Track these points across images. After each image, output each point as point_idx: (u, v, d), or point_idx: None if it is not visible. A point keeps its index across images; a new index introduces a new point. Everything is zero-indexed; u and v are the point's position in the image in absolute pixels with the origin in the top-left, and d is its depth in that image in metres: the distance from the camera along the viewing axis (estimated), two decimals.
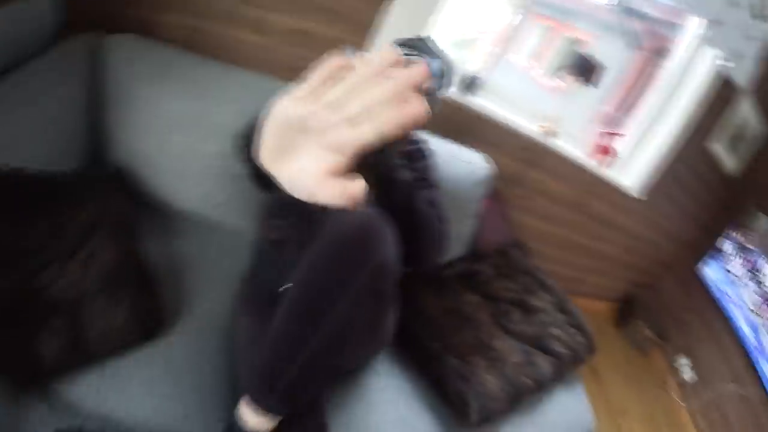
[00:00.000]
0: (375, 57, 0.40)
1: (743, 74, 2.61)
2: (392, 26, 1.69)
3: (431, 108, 0.67)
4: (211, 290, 1.17)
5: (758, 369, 2.78)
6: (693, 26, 2.68)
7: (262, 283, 1.15)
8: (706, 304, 3.38)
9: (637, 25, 5.21)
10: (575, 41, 8.08)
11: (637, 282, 3.70)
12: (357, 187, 0.38)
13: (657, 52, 4.38)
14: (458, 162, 1.68)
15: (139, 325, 0.97)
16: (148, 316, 0.99)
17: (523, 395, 1.31)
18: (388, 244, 0.89)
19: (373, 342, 1.14)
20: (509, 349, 1.38)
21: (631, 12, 5.20)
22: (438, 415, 1.21)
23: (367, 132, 0.37)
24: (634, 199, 2.87)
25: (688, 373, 3.26)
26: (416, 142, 1.30)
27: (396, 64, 0.40)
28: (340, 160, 0.38)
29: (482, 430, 1.21)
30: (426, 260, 1.15)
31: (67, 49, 1.25)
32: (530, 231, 2.55)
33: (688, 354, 3.36)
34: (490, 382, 1.23)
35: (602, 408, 1.58)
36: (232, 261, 1.28)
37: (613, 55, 5.77)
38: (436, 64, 1.08)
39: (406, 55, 1.04)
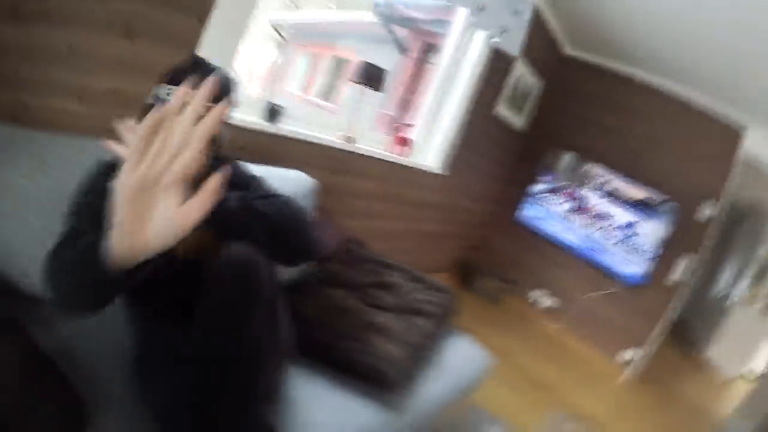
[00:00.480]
0: (172, 100, 0.55)
1: (513, 44, 3.08)
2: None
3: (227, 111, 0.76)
4: (115, 371, 1.11)
5: (598, 262, 3.64)
6: (460, 17, 3.11)
7: (160, 349, 1.11)
8: (534, 241, 4.05)
9: (401, 32, 5.78)
10: (341, 60, 8.60)
11: (467, 246, 4.14)
12: (211, 183, 0.52)
13: (427, 49, 4.96)
14: (282, 181, 1.76)
15: (71, 422, 0.90)
16: (75, 411, 0.92)
17: (421, 351, 1.47)
18: (266, 266, 0.99)
19: (278, 355, 1.16)
20: (390, 321, 1.53)
21: (393, 21, 5.75)
22: (362, 394, 1.30)
23: (188, 156, 0.51)
24: (438, 176, 3.22)
25: (548, 301, 3.87)
26: (237, 169, 1.32)
27: (188, 95, 0.55)
28: (184, 188, 0.52)
29: (404, 391, 1.34)
30: (301, 252, 1.18)
31: None
32: (355, 230, 2.67)
33: (541, 286, 3.96)
34: (390, 350, 1.37)
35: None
36: (119, 336, 1.20)
37: (386, 61, 6.30)
38: (217, 77, 1.13)
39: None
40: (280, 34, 10.44)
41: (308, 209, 1.88)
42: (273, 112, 2.20)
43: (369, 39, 7.45)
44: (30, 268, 1.18)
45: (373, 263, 1.95)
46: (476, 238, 4.23)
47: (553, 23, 3.72)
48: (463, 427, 1.98)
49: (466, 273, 3.97)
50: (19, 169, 1.22)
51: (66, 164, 1.28)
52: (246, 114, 2.04)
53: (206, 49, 1.76)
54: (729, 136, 3.48)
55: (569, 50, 4.19)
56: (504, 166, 4.16)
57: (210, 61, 1.17)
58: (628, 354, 3.52)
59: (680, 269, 3.48)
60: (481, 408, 2.18)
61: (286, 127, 2.22)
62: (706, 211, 3.46)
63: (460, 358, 1.67)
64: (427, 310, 1.66)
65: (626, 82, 3.93)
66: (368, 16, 6.80)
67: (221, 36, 1.82)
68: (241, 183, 1.25)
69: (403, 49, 5.78)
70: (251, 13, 1.94)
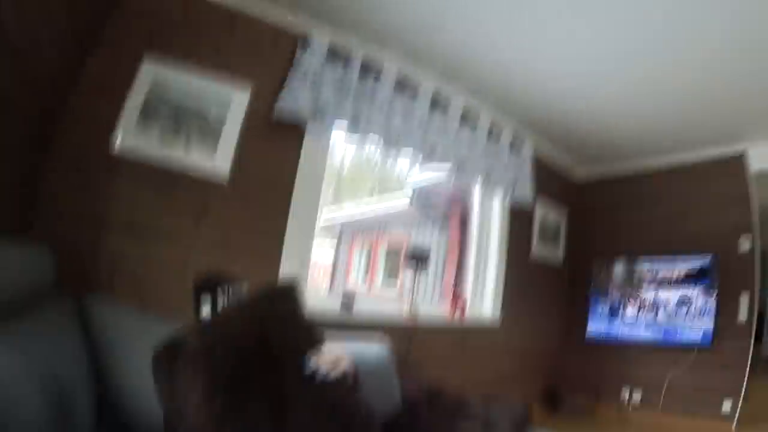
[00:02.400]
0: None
1: (525, 192, 3.69)
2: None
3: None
4: None
5: (670, 341, 3.79)
6: (476, 187, 3.76)
7: None
8: (607, 349, 4.21)
9: (436, 211, 6.59)
10: (393, 246, 9.28)
11: (546, 377, 4.33)
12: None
13: (461, 218, 5.65)
14: (364, 352, 2.27)
15: None
16: None
17: None
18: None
19: None
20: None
21: (428, 204, 6.59)
22: None
23: None
24: (495, 325, 3.66)
25: (637, 396, 3.96)
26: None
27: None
28: None
29: None
30: None
31: (63, 299, 1.68)
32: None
33: (626, 385, 4.05)
34: None
35: None
36: None
37: (430, 238, 7.06)
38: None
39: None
40: (333, 233, 11.57)
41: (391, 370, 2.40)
42: (346, 302, 2.81)
43: (415, 221, 8.09)
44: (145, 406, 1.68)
45: (453, 401, 2.36)
46: (551, 367, 4.39)
47: (553, 158, 4.39)
48: None
49: (552, 400, 4.11)
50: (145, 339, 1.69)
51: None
52: (323, 305, 2.73)
53: (286, 259, 2.57)
54: (734, 166, 3.79)
55: (578, 172, 4.81)
56: (557, 297, 4.48)
57: (224, 275, 1.60)
58: (726, 406, 3.49)
59: (744, 308, 3.55)
60: None
61: (359, 312, 2.83)
62: (745, 245, 3.61)
63: None
64: (502, 425, 2.03)
65: (634, 177, 4.43)
66: (407, 202, 7.40)
67: (295, 249, 2.62)
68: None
69: (443, 224, 6.56)
70: (315, 230, 2.77)
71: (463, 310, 3.46)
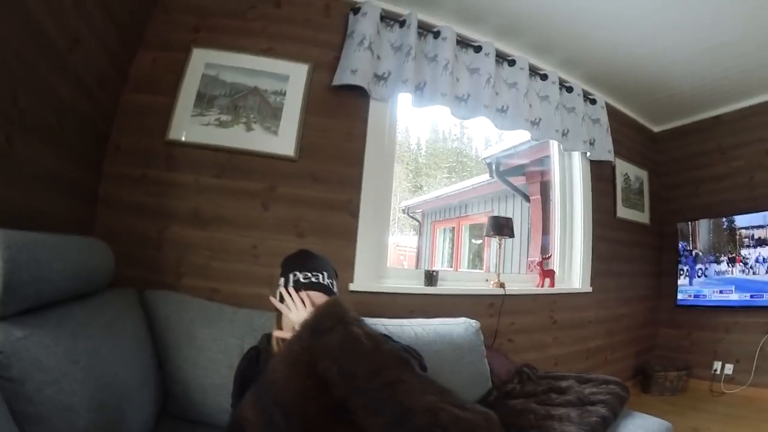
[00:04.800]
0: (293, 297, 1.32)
1: (604, 151, 3.49)
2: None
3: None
4: None
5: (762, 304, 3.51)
6: (554, 148, 3.57)
7: None
8: (698, 317, 4.00)
9: (518, 180, 6.37)
10: (476, 226, 9.19)
11: (637, 351, 4.10)
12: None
13: (542, 186, 5.44)
14: (451, 327, 2.25)
15: None
16: None
17: (598, 428, 1.67)
18: None
19: None
20: (566, 412, 1.78)
21: (507, 174, 6.39)
22: None
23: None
24: (586, 294, 3.45)
25: (728, 368, 3.72)
26: None
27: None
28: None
29: None
30: None
31: (123, 294, 1.73)
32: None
33: (718, 358, 3.83)
34: (569, 430, 1.63)
35: None
36: None
37: (517, 211, 6.88)
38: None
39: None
40: (413, 218, 11.61)
41: (479, 347, 2.29)
42: (430, 277, 2.73)
43: (495, 197, 8.01)
44: (203, 398, 1.72)
45: (545, 378, 2.24)
46: (645, 338, 4.20)
47: (629, 114, 4.13)
48: None
49: (645, 376, 3.90)
50: (210, 331, 1.83)
51: (230, 324, 1.87)
52: (407, 283, 2.67)
53: (362, 235, 2.49)
54: None
55: (653, 128, 4.51)
56: (646, 261, 4.23)
57: (315, 253, 1.52)
58: None
59: None
60: None
61: (443, 287, 2.76)
62: None
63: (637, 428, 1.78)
64: (600, 399, 1.87)
65: (714, 124, 4.11)
66: (486, 177, 7.33)
67: (372, 224, 2.54)
68: None
69: (524, 195, 6.32)
70: (390, 205, 2.68)
71: (552, 279, 3.28)
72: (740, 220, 3.76)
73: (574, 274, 3.49)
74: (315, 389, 1.08)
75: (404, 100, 2.77)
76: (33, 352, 1.03)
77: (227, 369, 1.63)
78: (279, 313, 1.40)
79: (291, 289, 1.35)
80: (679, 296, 4.08)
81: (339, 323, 1.15)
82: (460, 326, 2.28)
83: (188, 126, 2.30)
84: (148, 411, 1.54)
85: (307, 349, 1.13)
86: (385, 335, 1.54)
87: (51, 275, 1.19)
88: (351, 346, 1.11)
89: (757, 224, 3.64)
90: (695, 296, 3.96)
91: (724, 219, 3.86)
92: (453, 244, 10.09)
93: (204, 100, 2.34)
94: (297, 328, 1.20)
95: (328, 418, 1.07)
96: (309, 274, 1.39)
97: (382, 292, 2.52)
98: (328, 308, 1.21)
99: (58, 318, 1.20)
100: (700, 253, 3.99)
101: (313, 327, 1.16)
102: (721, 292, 3.79)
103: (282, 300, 1.36)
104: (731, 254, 3.78)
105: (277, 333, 1.38)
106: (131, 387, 1.43)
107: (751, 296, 3.60)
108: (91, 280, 1.50)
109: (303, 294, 1.34)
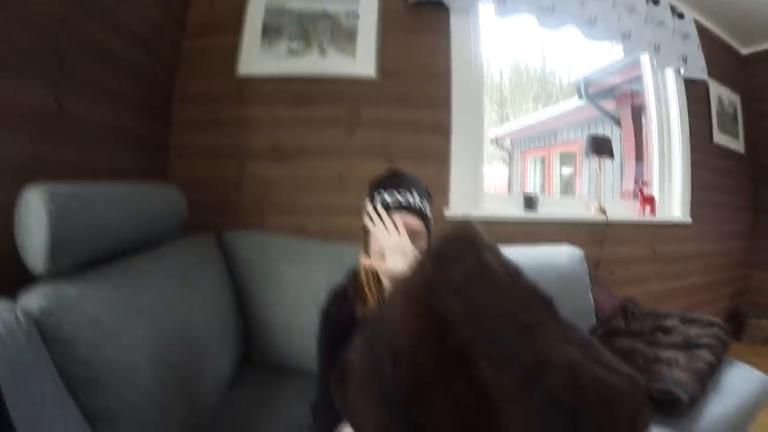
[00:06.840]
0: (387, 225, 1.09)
1: (698, 68, 3.14)
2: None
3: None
4: None
5: None
6: (647, 65, 3.23)
7: None
8: None
9: (609, 105, 5.91)
10: (566, 154, 8.84)
11: (732, 292, 3.82)
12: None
13: (634, 108, 5.02)
14: (553, 255, 2.12)
15: None
16: None
17: (704, 377, 1.55)
18: None
19: None
20: (673, 355, 1.66)
21: (598, 97, 5.93)
22: (655, 421, 1.40)
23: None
24: (686, 225, 3.17)
25: None
26: None
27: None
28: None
29: (692, 413, 1.44)
30: None
31: (199, 239, 1.69)
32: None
33: None
34: (679, 376, 1.50)
35: None
36: None
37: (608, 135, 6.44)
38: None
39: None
40: (503, 148, 11.25)
41: (584, 277, 2.15)
42: (529, 201, 2.57)
43: (584, 123, 7.62)
44: (289, 342, 1.66)
45: (649, 315, 2.10)
46: (739, 279, 3.88)
47: (715, 32, 3.64)
48: None
49: (738, 322, 3.62)
50: (296, 269, 1.75)
51: (318, 261, 1.79)
52: (506, 209, 2.54)
53: (455, 155, 2.34)
54: None
55: (744, 50, 3.97)
56: (743, 195, 3.87)
57: (406, 173, 1.25)
58: None
59: None
60: None
61: (543, 212, 2.59)
62: None
63: (739, 383, 1.67)
64: (705, 343, 1.74)
65: None
66: (575, 102, 6.99)
67: (464, 143, 2.37)
68: None
69: (616, 119, 5.86)
70: (483, 123, 2.47)
71: (653, 206, 3.02)
72: None
73: (674, 202, 3.20)
74: (433, 333, 0.82)
75: (486, 14, 2.50)
76: (89, 310, 0.95)
77: (315, 309, 1.56)
78: (365, 239, 1.21)
79: (380, 209, 1.14)
80: None
81: (471, 250, 0.88)
82: (564, 255, 2.15)
83: (258, 61, 2.21)
84: (228, 361, 1.51)
85: (428, 282, 0.88)
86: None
87: (110, 225, 1.11)
88: (481, 279, 0.84)
89: None
90: None
91: None
92: (544, 174, 9.79)
93: (271, 32, 2.23)
94: (390, 255, 1.06)
95: (443, 369, 0.80)
96: (397, 193, 1.17)
97: (480, 218, 2.35)
98: (457, 231, 0.94)
99: (120, 271, 1.13)
100: None
101: (437, 254, 0.90)
102: None
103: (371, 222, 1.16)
104: None
105: (365, 261, 1.16)
106: (209, 338, 1.39)
107: None
108: (161, 228, 1.45)
109: (394, 216, 1.13)
